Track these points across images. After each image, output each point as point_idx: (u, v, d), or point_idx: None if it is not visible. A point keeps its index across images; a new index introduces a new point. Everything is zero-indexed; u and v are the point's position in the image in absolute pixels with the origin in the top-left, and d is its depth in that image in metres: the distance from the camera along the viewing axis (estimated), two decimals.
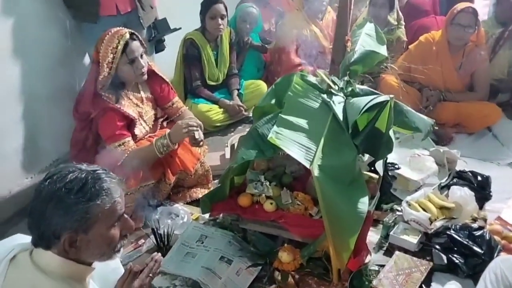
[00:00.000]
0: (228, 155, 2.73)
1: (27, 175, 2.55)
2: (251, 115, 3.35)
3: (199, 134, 2.19)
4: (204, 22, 3.16)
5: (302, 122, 1.84)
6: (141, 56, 2.14)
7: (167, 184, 2.31)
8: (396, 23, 3.49)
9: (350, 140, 1.80)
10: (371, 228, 2.13)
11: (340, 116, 1.85)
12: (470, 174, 2.41)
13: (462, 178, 2.40)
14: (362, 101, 1.79)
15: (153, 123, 2.37)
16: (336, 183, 1.70)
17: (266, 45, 3.75)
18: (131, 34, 2.11)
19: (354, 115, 1.76)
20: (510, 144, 2.91)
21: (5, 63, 2.31)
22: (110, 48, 2.04)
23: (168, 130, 2.20)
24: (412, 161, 2.51)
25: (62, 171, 1.18)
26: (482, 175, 2.38)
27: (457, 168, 2.52)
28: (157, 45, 3.06)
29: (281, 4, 4.21)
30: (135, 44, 2.12)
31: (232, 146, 2.33)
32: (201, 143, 2.23)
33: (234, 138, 3.10)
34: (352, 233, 1.64)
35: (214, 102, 3.23)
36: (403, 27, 3.53)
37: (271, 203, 1.99)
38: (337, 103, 1.91)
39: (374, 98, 1.77)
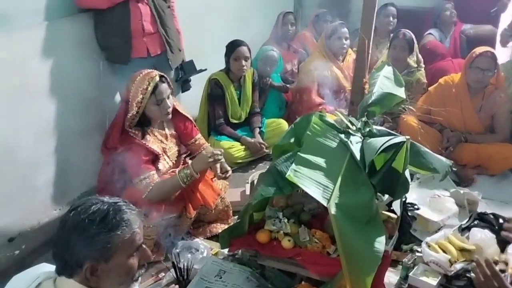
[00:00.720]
0: (248, 192, 2.78)
1: (55, 207, 2.65)
2: (272, 152, 3.42)
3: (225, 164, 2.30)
4: (229, 63, 3.30)
5: (320, 161, 1.90)
6: (168, 97, 2.26)
7: (188, 218, 2.36)
8: (416, 65, 3.56)
9: (367, 179, 1.84)
10: (390, 269, 2.12)
11: (358, 155, 1.90)
12: (492, 216, 2.38)
13: (483, 220, 2.37)
14: (379, 142, 1.83)
15: (176, 158, 2.46)
16: (353, 222, 1.72)
17: (287, 85, 3.86)
18: (161, 76, 2.24)
19: (371, 155, 1.80)
20: None
21: (43, 100, 2.46)
22: (140, 89, 2.17)
23: (189, 161, 2.29)
24: (432, 201, 2.50)
25: (85, 203, 1.26)
26: (503, 218, 2.34)
27: (478, 210, 2.50)
28: (184, 85, 3.20)
29: (305, 45, 4.37)
30: (164, 86, 2.25)
31: (252, 182, 2.38)
32: (228, 173, 2.30)
33: (254, 175, 3.16)
34: (369, 273, 1.64)
35: (236, 139, 3.32)
36: (423, 69, 3.59)
37: (289, 240, 2.01)
38: (355, 143, 1.96)
39: (391, 138, 1.81)
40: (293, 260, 1.97)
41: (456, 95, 3.06)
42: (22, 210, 2.43)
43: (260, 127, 3.44)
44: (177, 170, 2.28)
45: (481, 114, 3.04)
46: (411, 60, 3.55)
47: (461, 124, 3.06)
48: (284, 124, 3.49)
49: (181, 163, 2.49)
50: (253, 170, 3.25)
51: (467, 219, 2.43)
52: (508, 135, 3.08)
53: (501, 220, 2.34)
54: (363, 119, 2.08)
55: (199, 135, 2.56)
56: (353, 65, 3.74)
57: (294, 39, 4.36)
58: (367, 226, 1.76)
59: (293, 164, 1.84)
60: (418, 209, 2.43)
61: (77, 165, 2.74)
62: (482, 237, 2.13)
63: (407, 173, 1.83)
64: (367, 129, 2.04)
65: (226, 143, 3.24)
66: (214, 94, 3.30)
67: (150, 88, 2.18)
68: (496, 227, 2.29)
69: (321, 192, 1.77)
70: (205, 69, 3.24)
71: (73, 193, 2.77)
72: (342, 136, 1.99)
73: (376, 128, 2.04)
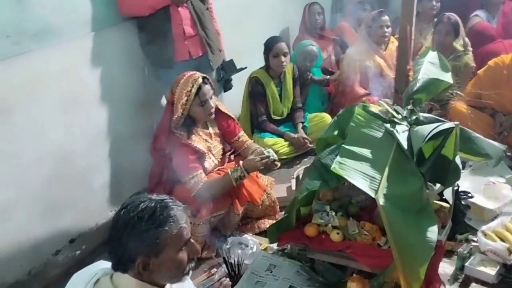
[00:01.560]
0: (294, 187, 2.78)
1: (111, 208, 2.77)
2: (315, 146, 3.40)
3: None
4: (268, 60, 3.31)
5: (366, 152, 1.86)
6: (211, 97, 2.31)
7: (236, 214, 2.40)
8: (462, 49, 3.41)
9: (416, 168, 1.79)
10: (445, 260, 2.06)
11: (405, 144, 1.85)
12: None
13: None
14: (427, 129, 1.78)
15: (221, 156, 2.50)
16: (403, 212, 1.68)
17: (328, 77, 3.82)
18: (203, 78, 2.29)
19: (418, 143, 1.75)
20: None
21: (94, 108, 2.58)
22: (184, 91, 2.23)
23: (241, 162, 2.33)
24: (487, 189, 2.40)
25: (134, 201, 1.31)
26: None
27: None
28: (225, 85, 3.23)
29: (344, 36, 4.30)
30: (207, 87, 2.30)
31: (297, 177, 2.38)
32: (276, 163, 2.37)
33: (300, 170, 3.14)
34: (422, 263, 1.60)
35: (280, 135, 3.32)
36: (470, 53, 3.44)
37: (338, 233, 1.99)
38: (401, 132, 1.91)
39: (439, 125, 1.75)
40: (343, 253, 1.95)
41: (508, 77, 2.89)
42: (80, 212, 2.57)
43: (303, 122, 3.43)
44: (229, 170, 2.32)
45: None
46: (458, 44, 3.41)
47: None
48: (327, 118, 3.46)
49: (226, 161, 2.53)
50: (298, 166, 3.24)
51: None
52: None
53: None
54: (409, 107, 2.02)
55: (242, 133, 2.59)
56: (396, 53, 3.67)
57: (324, 28, 4.31)
58: (418, 216, 1.71)
59: (338, 157, 1.82)
60: (472, 197, 2.33)
61: (129, 168, 2.85)
62: None
63: (457, 160, 1.76)
64: (414, 117, 1.98)
65: (270, 139, 3.26)
66: (255, 92, 3.32)
67: (193, 90, 2.23)
68: None
69: (368, 183, 1.74)
70: (245, 68, 3.26)
71: (127, 195, 2.85)
72: (388, 125, 1.95)
73: (423, 115, 1.97)
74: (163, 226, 1.26)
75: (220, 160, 2.49)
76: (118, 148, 2.77)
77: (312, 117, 3.50)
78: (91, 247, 2.50)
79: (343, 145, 1.89)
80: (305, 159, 3.32)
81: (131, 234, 1.25)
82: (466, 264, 1.99)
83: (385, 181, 1.75)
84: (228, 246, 2.29)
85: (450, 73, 2.31)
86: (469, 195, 2.34)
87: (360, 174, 1.77)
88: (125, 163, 2.83)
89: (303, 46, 3.67)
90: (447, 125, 1.76)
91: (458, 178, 1.81)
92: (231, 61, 3.14)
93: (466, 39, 3.47)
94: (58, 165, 2.39)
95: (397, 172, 1.79)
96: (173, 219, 1.28)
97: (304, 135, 3.31)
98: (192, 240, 1.37)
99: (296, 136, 3.29)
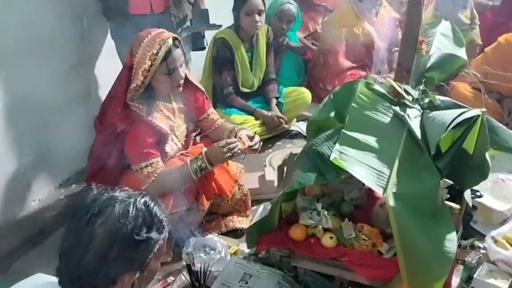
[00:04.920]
0: (268, 177, 2.71)
1: (34, 197, 2.59)
2: (292, 128, 3.35)
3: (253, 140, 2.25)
4: (239, 18, 3.18)
5: (370, 140, 1.83)
6: (181, 65, 2.15)
7: (200, 211, 2.30)
8: (469, 22, 3.46)
9: (431, 162, 1.77)
10: None
11: (418, 133, 1.82)
12: None
13: None
14: (447, 116, 1.76)
15: (185, 138, 2.37)
16: (416, 215, 1.66)
17: (313, 45, 3.77)
18: (174, 39, 2.12)
19: (438, 132, 1.72)
20: None
21: (16, 66, 2.34)
22: (149, 54, 2.03)
23: (204, 149, 2.19)
24: (495, 187, 2.46)
25: (109, 205, 1.17)
26: None
27: None
28: (195, 41, 2.99)
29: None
30: (178, 52, 2.12)
31: (281, 168, 2.28)
32: (255, 141, 2.28)
33: (273, 155, 3.09)
34: (438, 277, 1.60)
35: (249, 112, 3.23)
36: (477, 27, 3.49)
37: (331, 237, 1.95)
38: (413, 118, 1.89)
39: (463, 112, 1.73)
40: (337, 261, 1.92)
41: None
42: None
43: (277, 97, 3.35)
44: (188, 159, 2.17)
45: None
46: (463, 16, 3.45)
47: None
48: (306, 94, 3.41)
49: (191, 144, 2.40)
50: (270, 150, 3.19)
51: None
52: None
53: None
54: (421, 87, 2.00)
55: (211, 109, 2.46)
56: (389, 21, 3.66)
57: None
58: (433, 220, 1.69)
59: (337, 144, 1.77)
60: (481, 196, 2.38)
61: (58, 146, 2.65)
62: None
63: (487, 156, 1.76)
64: (427, 100, 1.96)
65: (238, 117, 3.16)
66: (221, 57, 3.20)
67: (161, 54, 2.04)
68: None
69: (375, 178, 1.71)
70: (220, 25, 3.04)
71: (54, 181, 2.72)
72: (397, 108, 1.92)
73: (439, 98, 1.95)
74: (161, 233, 1.22)
75: (183, 143, 2.35)
76: (45, 119, 2.57)
77: (288, 91, 3.43)
78: (10, 247, 2.30)
79: (342, 130, 1.84)
80: (279, 142, 3.28)
81: (123, 248, 1.15)
82: (475, 275, 2.02)
83: (394, 176, 1.72)
84: (189, 250, 2.19)
85: (464, 48, 2.31)
86: (477, 194, 2.38)
87: (364, 167, 1.74)
88: (52, 141, 2.63)
89: (278, 3, 3.56)
90: (471, 112, 1.74)
91: (485, 177, 1.81)
92: (206, 11, 2.91)
93: (474, 11, 3.51)
94: None
95: (409, 167, 1.77)
96: (166, 223, 1.25)
97: (279, 113, 3.25)
98: None
99: (269, 114, 3.21)
